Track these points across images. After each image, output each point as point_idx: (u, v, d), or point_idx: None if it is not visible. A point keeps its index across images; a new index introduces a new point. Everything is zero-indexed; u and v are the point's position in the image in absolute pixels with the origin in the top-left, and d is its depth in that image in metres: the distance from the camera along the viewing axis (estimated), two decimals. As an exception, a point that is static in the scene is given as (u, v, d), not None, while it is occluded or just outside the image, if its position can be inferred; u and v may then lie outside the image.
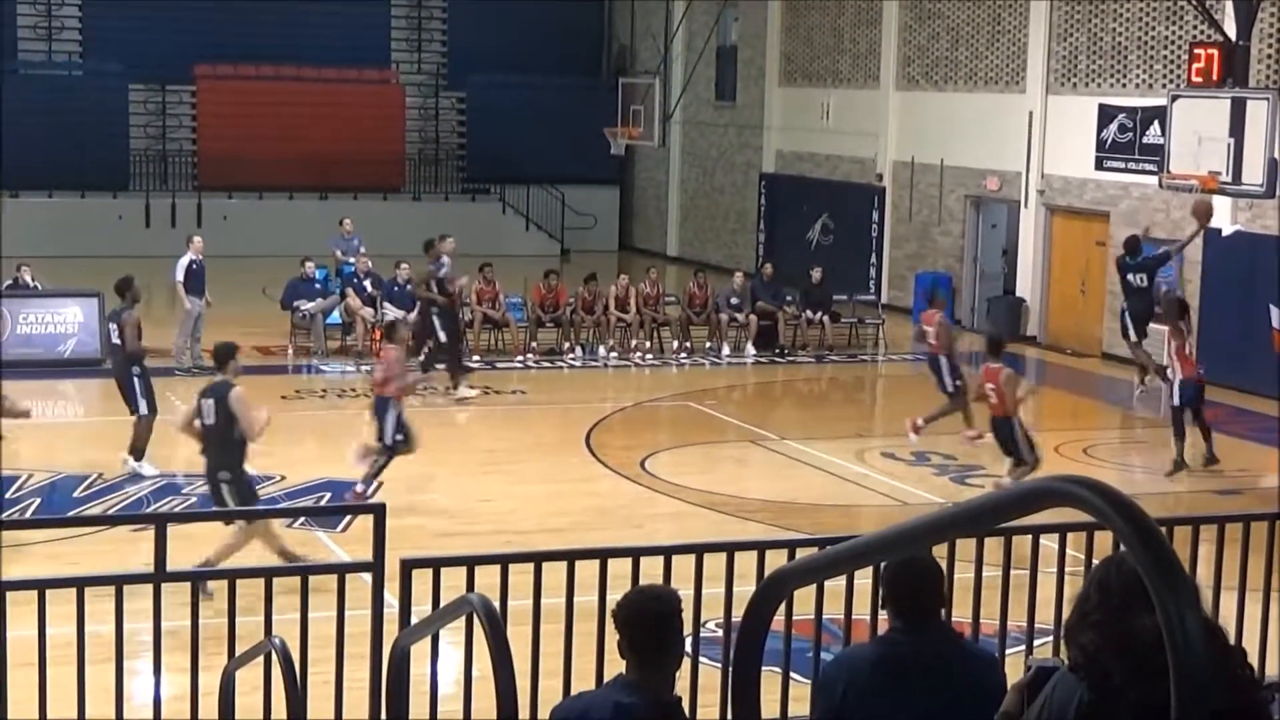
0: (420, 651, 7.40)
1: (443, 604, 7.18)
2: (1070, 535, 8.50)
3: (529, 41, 42.59)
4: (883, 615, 5.80)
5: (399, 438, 17.19)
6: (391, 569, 7.92)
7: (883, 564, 5.67)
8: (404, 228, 37.43)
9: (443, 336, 23.99)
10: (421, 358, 23.58)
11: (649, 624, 5.47)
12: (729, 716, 4.29)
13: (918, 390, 25.56)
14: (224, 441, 14.25)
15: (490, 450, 20.45)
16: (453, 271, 25.21)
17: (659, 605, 5.57)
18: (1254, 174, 20.71)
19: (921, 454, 20.51)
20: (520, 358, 26.49)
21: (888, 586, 5.61)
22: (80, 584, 7.64)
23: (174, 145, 40.96)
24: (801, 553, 7.36)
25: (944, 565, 8.29)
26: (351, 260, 27.95)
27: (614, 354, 26.96)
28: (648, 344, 27.61)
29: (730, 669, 4.16)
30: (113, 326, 18.99)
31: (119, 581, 7.80)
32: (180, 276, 24.58)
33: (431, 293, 24.45)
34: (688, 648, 8.17)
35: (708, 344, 28.05)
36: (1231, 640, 4.89)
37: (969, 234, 32.15)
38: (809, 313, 28.39)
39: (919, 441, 20.68)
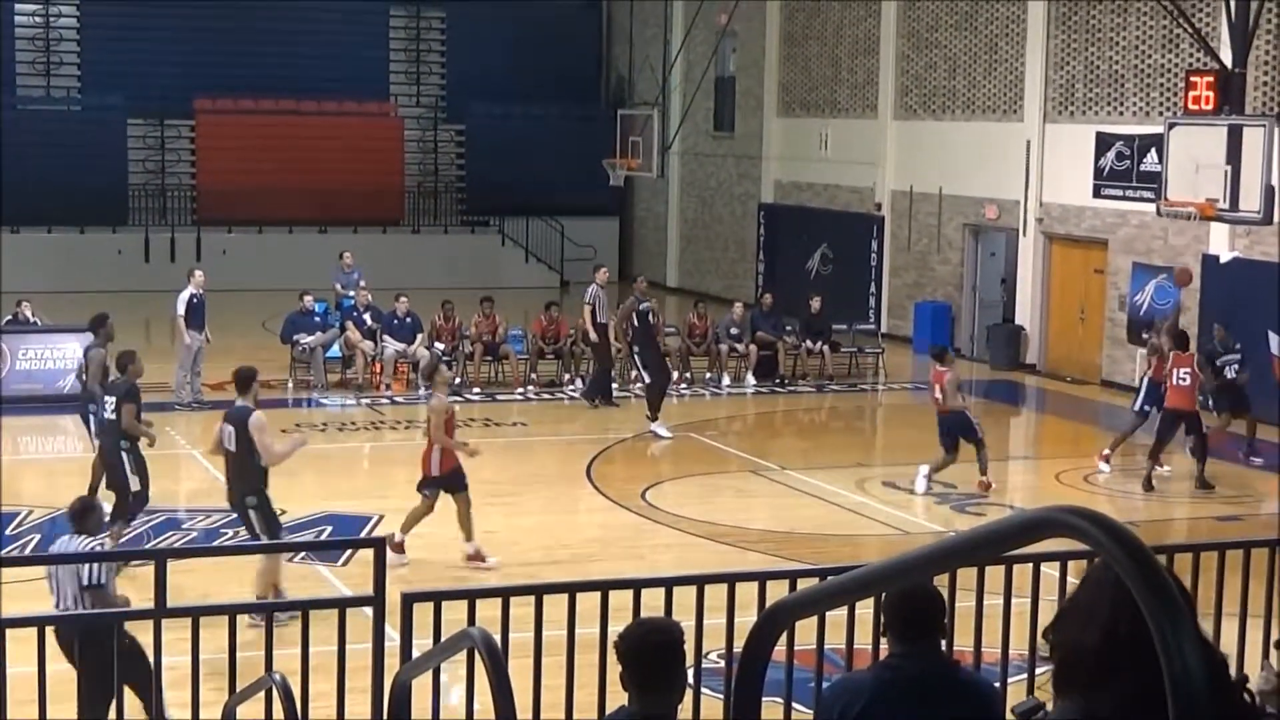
0: (422, 685, 7.40)
1: (444, 638, 7.17)
2: (1071, 563, 8.51)
3: (527, 74, 42.69)
4: (883, 644, 5.83)
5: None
6: (393, 602, 7.92)
7: (887, 596, 5.72)
8: (403, 260, 37.62)
9: (647, 377, 23.87)
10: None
11: (651, 656, 5.47)
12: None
13: (918, 419, 25.56)
14: (244, 467, 14.37)
15: (492, 482, 20.39)
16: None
17: (661, 637, 5.58)
18: (1251, 201, 20.75)
19: (922, 483, 20.50)
20: (521, 390, 26.49)
21: (889, 613, 5.67)
22: (80, 621, 7.64)
23: (173, 179, 41.03)
24: (802, 583, 7.36)
25: (945, 594, 8.30)
26: (351, 294, 27.96)
27: (614, 385, 26.91)
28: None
29: (730, 702, 4.15)
30: (79, 362, 19.05)
31: (119, 618, 7.80)
32: (181, 310, 24.57)
33: (632, 327, 24.27)
34: (690, 679, 8.18)
35: (708, 374, 28.05)
36: (1234, 667, 4.89)
37: (968, 262, 32.19)
38: (809, 342, 28.41)
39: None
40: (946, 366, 19.88)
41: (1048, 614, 8.54)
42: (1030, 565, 8.57)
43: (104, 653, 7.85)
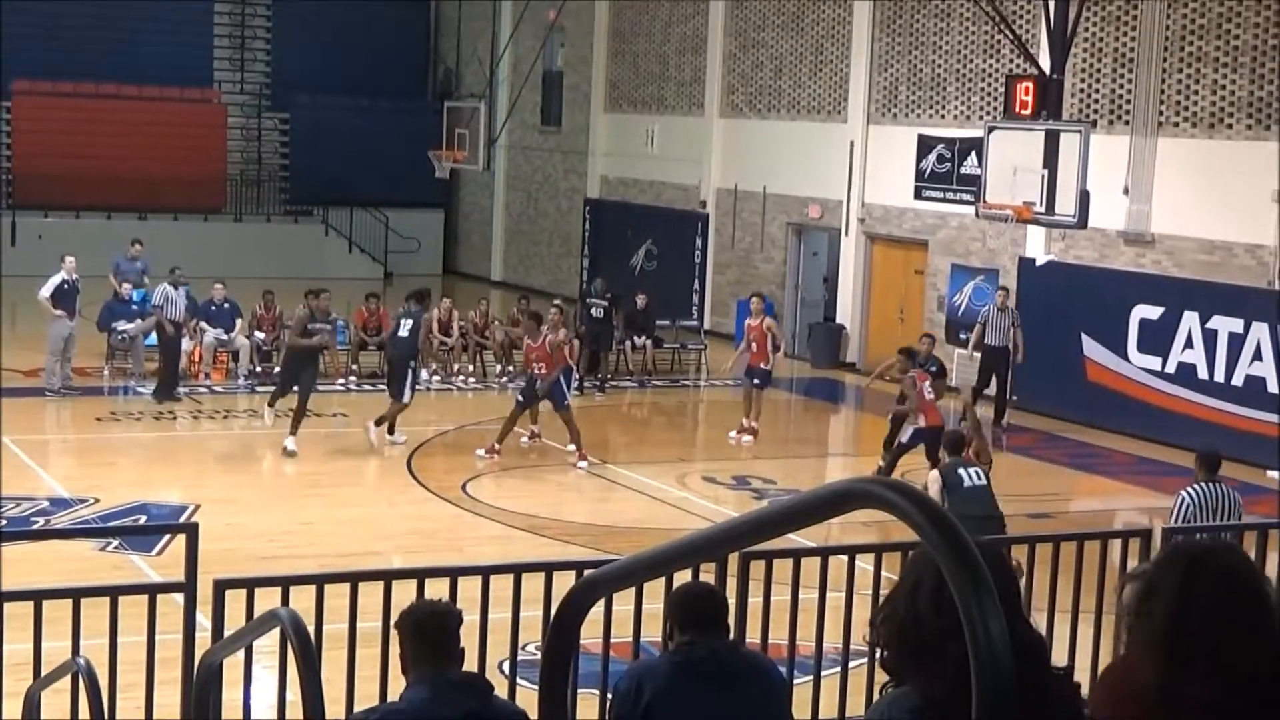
0: (235, 676, 7.30)
1: (256, 625, 7.09)
2: (885, 555, 8.63)
3: (353, 63, 42.34)
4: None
5: None
6: (206, 591, 7.81)
7: (672, 594, 6.31)
8: (225, 249, 37.10)
9: None
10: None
11: (429, 627, 5.51)
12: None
13: (739, 416, 25.70)
14: None
15: (311, 474, 20.23)
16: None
17: (438, 607, 5.74)
18: (1067, 205, 21.17)
19: (742, 478, 20.66)
20: (342, 381, 26.19)
21: (674, 612, 6.16)
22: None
23: (-12, 162, 40.11)
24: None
25: (760, 587, 8.39)
26: (130, 283, 27.18)
27: (436, 377, 26.82)
28: (470, 367, 27.54)
29: (540, 675, 4.15)
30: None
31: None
32: (47, 293, 24.18)
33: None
34: (505, 670, 8.17)
35: (531, 368, 27.95)
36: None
37: (790, 261, 32.48)
38: (632, 338, 28.48)
39: (740, 464, 20.81)
40: (758, 320, 22.98)
41: (862, 608, 8.66)
42: (845, 558, 8.68)
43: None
